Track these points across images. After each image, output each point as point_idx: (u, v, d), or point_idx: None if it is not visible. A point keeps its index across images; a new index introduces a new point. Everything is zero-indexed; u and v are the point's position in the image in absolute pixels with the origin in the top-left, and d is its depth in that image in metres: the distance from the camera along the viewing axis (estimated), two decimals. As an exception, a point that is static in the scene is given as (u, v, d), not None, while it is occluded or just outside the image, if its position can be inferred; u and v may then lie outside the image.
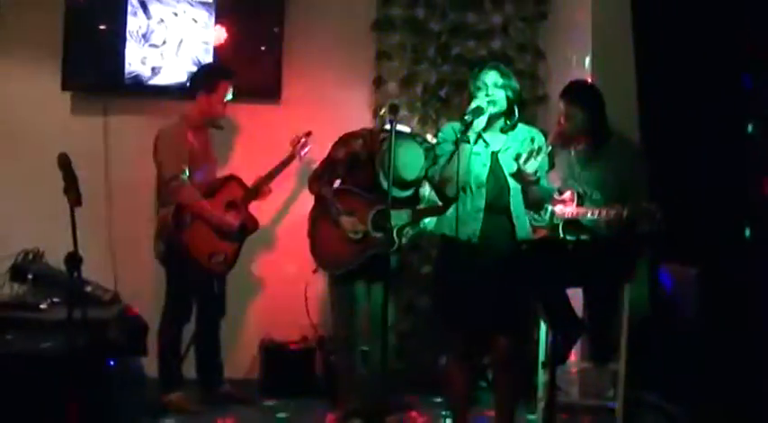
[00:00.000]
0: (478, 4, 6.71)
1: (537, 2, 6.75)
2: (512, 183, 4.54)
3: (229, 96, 5.74)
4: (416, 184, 5.38)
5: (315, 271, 5.78)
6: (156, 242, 5.69)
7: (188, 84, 5.89)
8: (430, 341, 6.14)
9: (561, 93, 5.30)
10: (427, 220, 5.34)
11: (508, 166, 4.54)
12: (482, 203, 4.52)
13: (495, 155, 4.58)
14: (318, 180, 5.60)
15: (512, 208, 4.55)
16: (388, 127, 5.10)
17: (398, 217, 5.24)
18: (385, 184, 5.25)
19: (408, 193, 5.39)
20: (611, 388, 5.48)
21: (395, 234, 5.29)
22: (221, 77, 5.70)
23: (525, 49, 6.75)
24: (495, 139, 4.60)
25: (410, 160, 5.28)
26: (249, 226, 5.84)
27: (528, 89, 6.65)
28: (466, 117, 4.46)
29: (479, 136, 4.53)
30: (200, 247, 5.59)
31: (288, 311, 6.33)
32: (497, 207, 4.54)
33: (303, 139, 6.10)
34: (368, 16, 6.62)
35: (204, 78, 5.72)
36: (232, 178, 5.85)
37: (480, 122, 4.47)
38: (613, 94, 5.42)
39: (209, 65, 6.04)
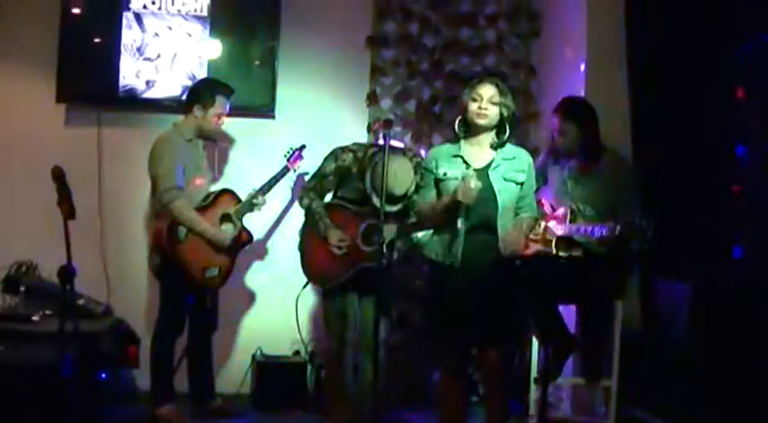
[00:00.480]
0: (472, 21, 6.72)
1: (530, 18, 6.76)
2: (500, 201, 4.52)
3: (225, 112, 5.73)
4: (405, 198, 5.36)
5: (306, 285, 5.76)
6: (150, 255, 5.67)
7: (185, 96, 5.85)
8: (422, 355, 6.13)
9: (555, 109, 5.29)
10: (420, 234, 5.34)
11: (498, 183, 4.54)
12: (464, 229, 4.50)
13: (482, 172, 4.55)
14: (308, 193, 5.59)
15: (499, 227, 4.52)
16: (381, 142, 5.11)
17: (388, 231, 5.24)
18: (374, 198, 5.25)
19: (398, 207, 5.38)
20: (603, 405, 5.48)
21: (384, 248, 5.29)
22: (219, 93, 5.70)
23: (518, 65, 6.75)
24: (481, 156, 4.60)
25: (400, 175, 5.27)
26: (243, 239, 5.83)
27: (521, 106, 6.64)
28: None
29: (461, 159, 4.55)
30: (195, 260, 5.57)
31: (279, 325, 6.31)
32: (484, 226, 4.52)
33: (297, 152, 6.10)
34: (362, 32, 6.61)
35: (203, 92, 5.70)
36: (226, 191, 5.83)
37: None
38: (606, 110, 5.42)
39: (208, 79, 6.01)
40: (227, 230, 5.71)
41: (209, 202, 5.69)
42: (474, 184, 4.39)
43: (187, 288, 5.63)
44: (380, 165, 4.98)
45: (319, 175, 5.60)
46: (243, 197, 5.85)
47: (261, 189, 5.85)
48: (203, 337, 5.86)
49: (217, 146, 6.19)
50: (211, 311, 5.87)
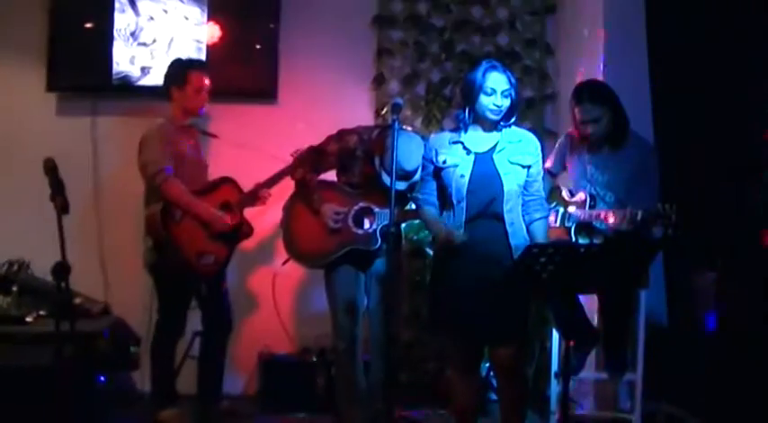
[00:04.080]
0: (484, -2, 6.73)
1: (544, -6, 6.76)
2: (507, 186, 4.49)
3: (206, 86, 5.67)
4: (416, 174, 5.32)
5: (284, 263, 5.77)
6: (144, 242, 5.62)
7: (162, 85, 5.77)
8: (435, 351, 6.14)
9: (580, 96, 5.18)
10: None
11: (503, 167, 4.51)
12: (462, 218, 4.48)
13: (484, 157, 4.53)
14: (303, 165, 5.58)
15: (505, 214, 4.49)
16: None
17: (382, 216, 5.26)
18: (384, 176, 5.24)
19: (405, 185, 5.35)
20: (628, 399, 5.48)
21: (378, 233, 5.31)
22: (189, 67, 5.66)
23: (533, 44, 6.74)
24: (483, 139, 4.57)
25: (410, 149, 5.24)
26: (243, 229, 5.78)
27: (536, 86, 6.66)
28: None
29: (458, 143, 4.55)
30: (190, 245, 5.50)
31: (287, 323, 6.33)
32: (489, 213, 4.49)
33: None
34: (368, 11, 6.62)
35: (173, 73, 5.66)
36: (227, 180, 5.77)
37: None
38: (626, 90, 5.40)
39: (175, 59, 5.90)
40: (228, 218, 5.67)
41: (209, 189, 5.65)
42: (458, 239, 4.44)
43: (183, 281, 5.61)
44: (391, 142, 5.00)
45: (319, 151, 5.58)
46: (244, 186, 5.81)
47: (265, 183, 5.83)
48: (219, 338, 5.83)
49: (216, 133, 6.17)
50: (227, 311, 5.84)
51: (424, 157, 4.70)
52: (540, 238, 4.58)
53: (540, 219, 4.61)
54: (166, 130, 5.58)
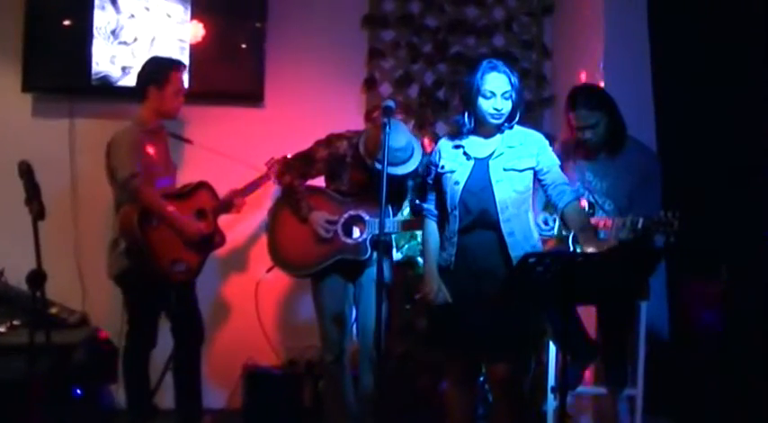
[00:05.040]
0: (479, -2, 6.72)
1: (542, -6, 6.76)
2: (498, 195, 4.46)
3: (183, 88, 5.62)
4: (408, 158, 5.23)
5: (269, 270, 5.71)
6: (112, 246, 5.55)
7: (136, 82, 5.67)
8: (429, 364, 6.11)
9: (576, 100, 5.16)
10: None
11: (497, 175, 4.48)
12: (456, 227, 4.49)
13: (482, 163, 4.52)
14: (290, 170, 5.53)
15: (502, 223, 4.45)
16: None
17: (373, 225, 5.22)
18: (369, 161, 5.18)
19: (398, 172, 5.25)
20: (628, 415, 5.46)
21: (368, 243, 5.27)
22: (170, 68, 5.59)
23: (530, 46, 6.76)
24: (485, 144, 4.55)
25: (396, 129, 5.16)
26: (217, 239, 5.73)
27: (533, 90, 6.65)
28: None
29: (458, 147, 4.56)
30: (164, 251, 5.42)
31: (271, 334, 6.29)
32: (484, 222, 4.48)
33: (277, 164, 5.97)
34: (359, 10, 6.62)
35: (152, 72, 5.58)
36: (204, 186, 5.72)
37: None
38: (627, 94, 5.39)
39: (154, 57, 5.87)
40: (203, 226, 5.61)
41: (184, 195, 5.59)
42: (443, 298, 4.52)
43: (154, 289, 5.54)
44: (371, 135, 5.06)
45: (307, 156, 5.52)
46: (223, 192, 5.77)
47: (241, 190, 5.79)
48: (191, 349, 5.78)
49: (199, 137, 6.12)
50: (198, 321, 5.79)
51: (429, 162, 4.67)
52: (575, 222, 4.60)
53: (566, 205, 4.57)
54: (135, 134, 5.48)
